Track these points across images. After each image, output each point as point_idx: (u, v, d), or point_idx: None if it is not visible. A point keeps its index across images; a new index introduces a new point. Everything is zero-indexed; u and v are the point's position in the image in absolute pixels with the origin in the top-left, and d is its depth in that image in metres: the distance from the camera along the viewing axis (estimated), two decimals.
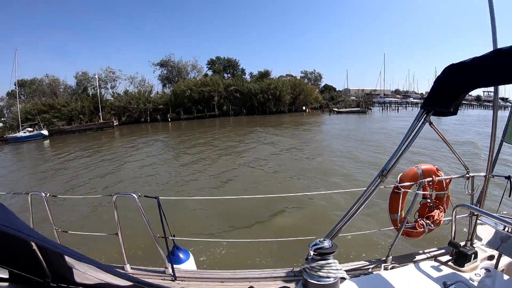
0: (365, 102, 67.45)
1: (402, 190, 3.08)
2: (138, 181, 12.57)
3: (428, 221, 3.24)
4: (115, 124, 54.75)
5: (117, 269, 1.36)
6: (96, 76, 62.93)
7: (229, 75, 71.94)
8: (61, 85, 69.74)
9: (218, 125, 41.73)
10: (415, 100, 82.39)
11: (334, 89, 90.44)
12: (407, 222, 3.13)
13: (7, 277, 1.36)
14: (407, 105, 76.88)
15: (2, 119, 74.27)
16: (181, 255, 3.19)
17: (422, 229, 3.22)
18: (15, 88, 74.98)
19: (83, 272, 1.31)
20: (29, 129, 53.91)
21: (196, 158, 17.17)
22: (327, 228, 2.95)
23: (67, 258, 1.27)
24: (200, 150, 20.07)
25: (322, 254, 1.77)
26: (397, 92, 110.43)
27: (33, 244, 1.24)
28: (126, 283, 1.26)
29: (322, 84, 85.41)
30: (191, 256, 3.35)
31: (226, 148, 20.33)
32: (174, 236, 3.11)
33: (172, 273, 2.85)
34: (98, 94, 60.68)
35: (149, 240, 2.98)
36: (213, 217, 7.45)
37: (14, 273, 1.33)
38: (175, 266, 2.93)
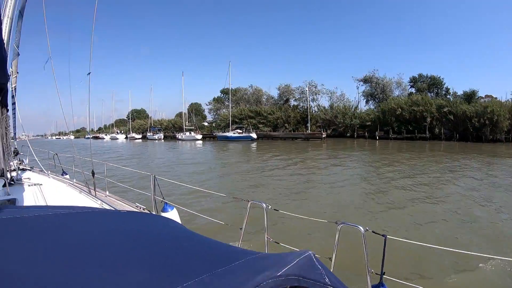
0: None
1: None
2: (353, 208, 9.54)
3: None
4: (323, 136, 52.35)
5: None
6: (307, 89, 61.92)
7: (432, 94, 66.16)
8: (263, 95, 72.09)
9: (428, 149, 35.35)
10: None
11: None
12: None
13: None
14: None
15: (207, 119, 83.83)
16: None
17: None
18: (222, 95, 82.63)
19: None
20: (239, 130, 56.51)
21: (414, 186, 12.72)
22: None
23: None
24: (414, 176, 15.33)
25: None
26: None
27: None
28: None
29: None
30: None
31: (439, 178, 14.78)
32: (384, 274, 2.53)
33: None
34: (308, 106, 59.70)
35: (359, 268, 2.94)
36: (430, 262, 5.90)
37: None
38: None
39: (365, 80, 66.00)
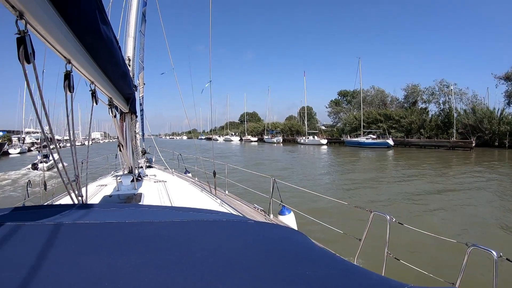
0: None
1: None
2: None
3: None
4: (472, 145, 44.07)
5: None
6: (452, 88, 51.27)
7: None
8: (387, 97, 64.39)
9: None
10: None
11: None
12: None
13: None
14: None
15: (323, 123, 79.73)
16: None
17: None
18: (339, 97, 78.42)
19: None
20: (373, 136, 50.00)
21: None
22: None
23: None
24: None
25: None
26: None
27: None
28: None
29: None
30: None
31: None
32: None
33: None
34: (449, 109, 50.05)
35: None
36: None
37: None
38: None
39: (507, 78, 51.20)
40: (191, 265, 1.12)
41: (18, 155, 44.42)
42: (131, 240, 1.33)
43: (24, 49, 1.33)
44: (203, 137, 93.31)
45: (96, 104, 2.81)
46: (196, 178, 7.32)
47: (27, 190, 5.78)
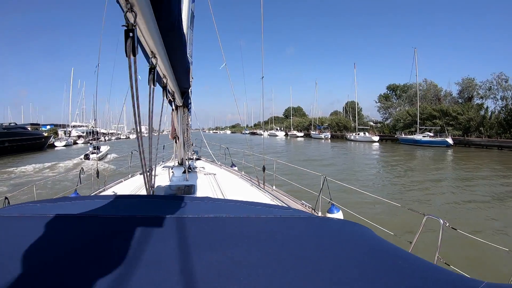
0: None
1: None
2: None
3: None
4: None
5: None
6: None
7: None
8: (441, 91, 60.01)
9: None
10: None
11: None
12: None
13: None
14: None
15: (371, 118, 76.14)
16: None
17: None
18: (388, 91, 74.47)
19: None
20: (430, 133, 46.32)
21: None
22: None
23: None
24: None
25: None
26: None
27: None
28: None
29: None
30: None
31: None
32: None
33: None
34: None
35: None
36: None
37: None
38: None
39: None
40: (294, 261, 1.11)
41: (64, 148, 46.61)
42: (229, 235, 1.34)
43: (132, 41, 1.35)
44: (247, 132, 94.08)
45: (167, 98, 2.92)
46: (243, 172, 7.35)
47: (79, 177, 6.08)
